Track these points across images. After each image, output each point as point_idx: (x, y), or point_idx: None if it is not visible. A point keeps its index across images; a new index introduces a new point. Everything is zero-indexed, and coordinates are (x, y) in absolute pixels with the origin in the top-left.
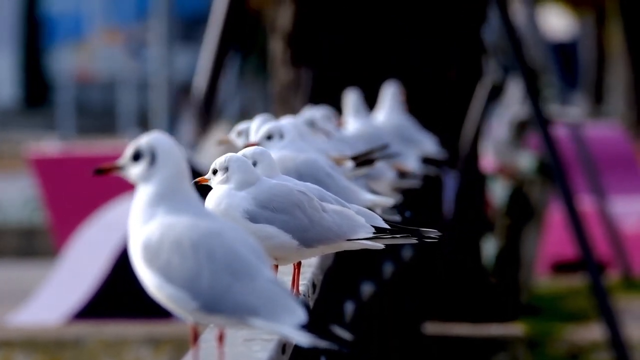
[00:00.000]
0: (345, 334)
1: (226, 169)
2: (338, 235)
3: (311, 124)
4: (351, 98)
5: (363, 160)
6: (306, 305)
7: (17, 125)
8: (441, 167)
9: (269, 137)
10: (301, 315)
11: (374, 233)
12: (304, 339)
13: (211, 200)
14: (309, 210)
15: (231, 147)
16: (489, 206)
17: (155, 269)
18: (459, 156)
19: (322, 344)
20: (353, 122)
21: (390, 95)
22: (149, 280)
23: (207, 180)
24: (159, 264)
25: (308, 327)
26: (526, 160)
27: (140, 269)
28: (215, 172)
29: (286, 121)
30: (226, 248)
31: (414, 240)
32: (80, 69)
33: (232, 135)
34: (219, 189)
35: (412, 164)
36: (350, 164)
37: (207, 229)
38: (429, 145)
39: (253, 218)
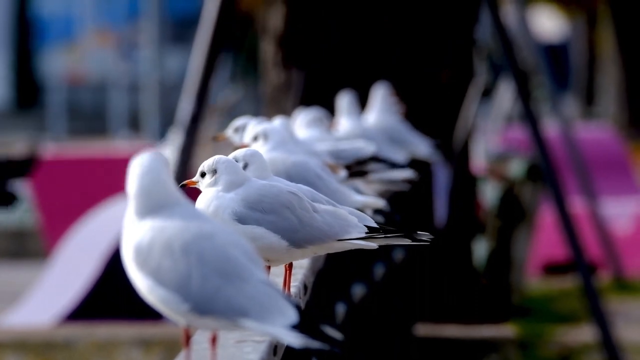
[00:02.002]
0: (336, 334)
1: (214, 171)
2: (329, 236)
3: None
4: (344, 100)
5: (357, 170)
6: (297, 306)
7: (8, 127)
8: (431, 168)
9: (255, 138)
10: (292, 316)
11: (366, 233)
12: (295, 340)
13: (200, 203)
14: (298, 210)
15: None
16: (480, 208)
17: (146, 271)
18: (451, 157)
19: (314, 344)
20: (345, 124)
21: (380, 96)
22: (141, 283)
23: (195, 182)
24: (150, 266)
25: (299, 328)
26: (515, 167)
27: (132, 272)
28: (203, 174)
29: (276, 122)
30: (217, 250)
31: (407, 241)
32: (71, 71)
33: (229, 132)
34: (208, 192)
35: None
36: (343, 172)
37: (198, 231)
38: (421, 147)
39: (241, 219)
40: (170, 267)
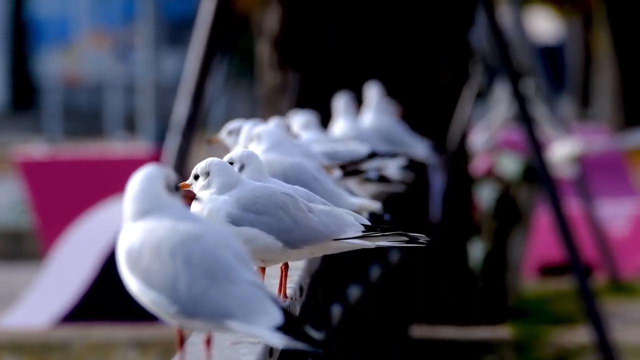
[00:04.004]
0: (317, 335)
1: (207, 174)
2: (325, 236)
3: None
4: (341, 101)
5: (351, 170)
6: (283, 307)
7: (4, 128)
8: (428, 169)
9: (250, 140)
10: (277, 317)
11: (363, 231)
12: (278, 341)
13: (195, 206)
14: (293, 211)
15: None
16: (476, 209)
17: (137, 274)
18: (446, 159)
19: (297, 345)
20: (341, 125)
21: (375, 97)
22: (133, 285)
23: (188, 185)
24: (140, 269)
25: (283, 329)
26: (511, 165)
27: (125, 274)
28: (196, 177)
29: (272, 124)
30: (205, 252)
31: (404, 239)
32: (68, 72)
33: (223, 135)
34: (202, 195)
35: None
36: (337, 173)
37: (186, 233)
38: (419, 149)
39: (235, 221)
40: (158, 270)
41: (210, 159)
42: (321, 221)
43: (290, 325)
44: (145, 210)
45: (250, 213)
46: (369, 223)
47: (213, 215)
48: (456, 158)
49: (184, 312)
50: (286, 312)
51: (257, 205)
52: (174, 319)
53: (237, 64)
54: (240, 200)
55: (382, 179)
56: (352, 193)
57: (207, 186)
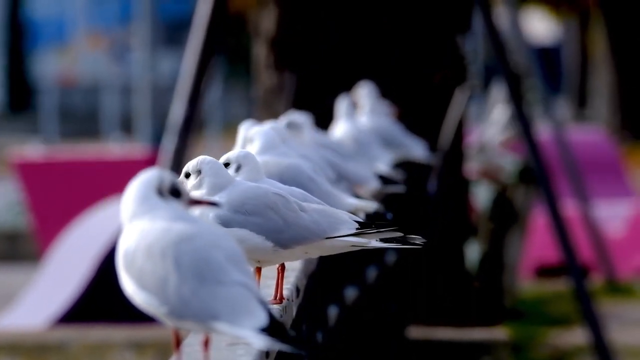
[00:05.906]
0: (298, 336)
1: (199, 172)
2: (316, 234)
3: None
4: (344, 103)
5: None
6: (268, 309)
7: (1, 130)
8: (426, 171)
9: (246, 142)
10: (262, 319)
11: (357, 229)
12: (261, 342)
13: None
14: (283, 210)
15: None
16: (472, 210)
17: (131, 275)
18: (439, 160)
19: (281, 347)
20: (342, 127)
21: (369, 97)
22: (127, 286)
23: None
24: (134, 270)
25: (267, 331)
26: (508, 166)
27: (122, 275)
28: (187, 175)
29: (268, 126)
30: (195, 253)
31: (399, 234)
32: (64, 73)
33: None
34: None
35: (384, 168)
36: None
37: (178, 234)
38: (418, 149)
39: (225, 222)
40: (150, 271)
41: (201, 157)
42: (313, 219)
43: (274, 327)
44: (142, 213)
45: (239, 214)
46: (363, 221)
47: (203, 217)
48: (449, 158)
49: (173, 313)
50: (271, 314)
51: (247, 206)
52: (166, 320)
53: (234, 65)
54: (230, 201)
55: (380, 179)
56: (349, 194)
57: (198, 185)
